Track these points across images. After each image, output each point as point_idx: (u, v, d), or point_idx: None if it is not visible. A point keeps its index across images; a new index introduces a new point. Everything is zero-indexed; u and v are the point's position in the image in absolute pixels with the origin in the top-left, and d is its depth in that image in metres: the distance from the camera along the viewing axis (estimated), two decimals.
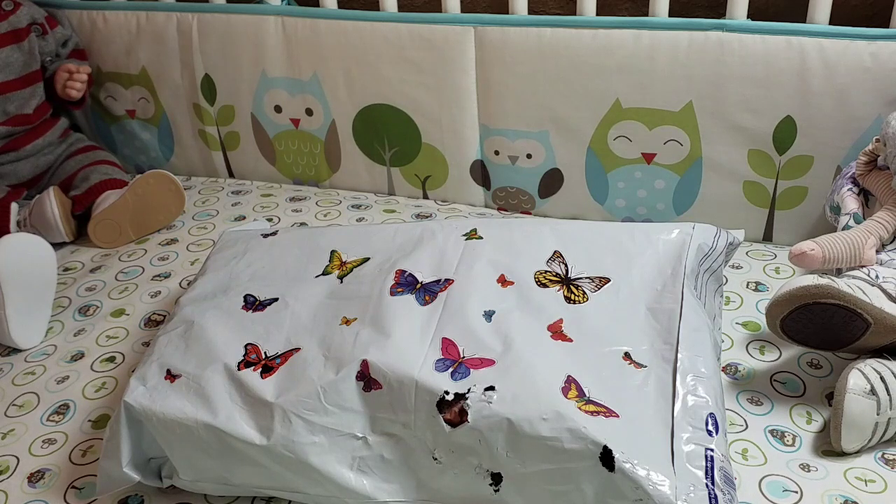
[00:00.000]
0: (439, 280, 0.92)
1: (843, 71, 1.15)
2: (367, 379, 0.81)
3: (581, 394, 0.77)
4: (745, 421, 0.91)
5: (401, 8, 1.45)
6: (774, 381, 0.97)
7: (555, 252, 0.95)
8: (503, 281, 0.92)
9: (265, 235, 1.09)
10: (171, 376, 0.87)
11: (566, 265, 0.93)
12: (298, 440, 0.80)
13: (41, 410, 1.01)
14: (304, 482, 0.82)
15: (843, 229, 1.06)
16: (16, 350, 1.13)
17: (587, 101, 1.30)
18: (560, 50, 1.29)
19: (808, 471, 0.84)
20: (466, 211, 1.46)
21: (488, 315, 0.87)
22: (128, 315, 1.18)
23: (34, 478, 0.91)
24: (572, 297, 0.89)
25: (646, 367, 0.81)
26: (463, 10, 1.41)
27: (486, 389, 0.77)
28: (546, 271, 0.93)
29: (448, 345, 0.83)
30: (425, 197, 1.51)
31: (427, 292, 0.91)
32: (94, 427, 0.98)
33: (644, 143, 1.30)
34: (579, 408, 0.75)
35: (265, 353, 0.88)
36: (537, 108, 1.34)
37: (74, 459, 0.93)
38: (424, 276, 0.93)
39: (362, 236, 1.03)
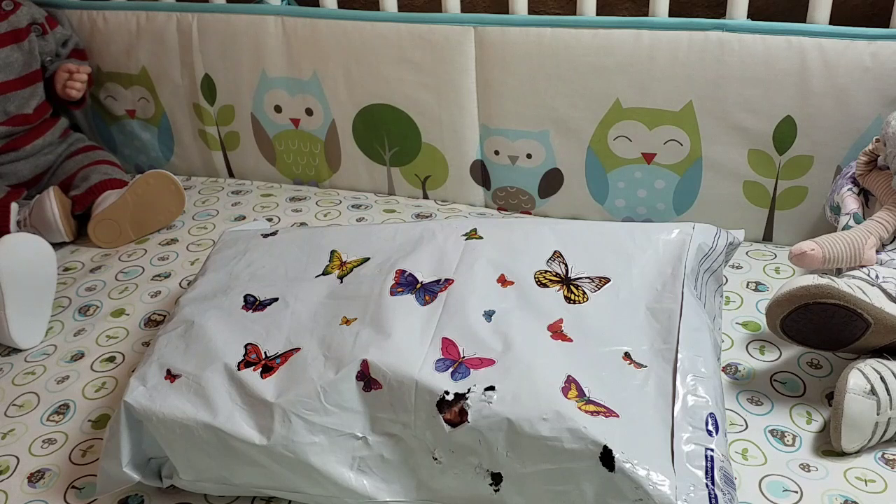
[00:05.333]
0: (439, 280, 0.92)
1: (843, 71, 1.15)
2: (367, 379, 0.81)
3: (581, 394, 0.77)
4: (745, 421, 0.91)
5: (401, 8, 1.45)
6: (774, 381, 0.97)
7: (555, 252, 0.95)
8: (503, 281, 0.92)
9: (265, 235, 1.09)
10: (171, 376, 0.87)
11: (566, 265, 0.93)
12: (298, 440, 0.80)
13: (41, 410, 1.01)
14: (304, 482, 0.82)
15: (843, 229, 1.06)
16: (16, 350, 1.13)
17: (587, 101, 1.30)
18: (560, 50, 1.29)
19: (808, 471, 0.84)
20: (466, 211, 1.46)
21: (488, 315, 0.87)
22: (128, 315, 1.18)
23: (34, 478, 0.91)
24: (572, 297, 0.89)
25: (646, 367, 0.81)
26: (463, 10, 1.41)
27: (486, 389, 0.77)
28: (546, 271, 0.93)
29: (448, 345, 0.83)
30: (425, 197, 1.51)
31: (427, 292, 0.91)
32: (94, 427, 0.98)
33: (644, 143, 1.30)
34: (579, 408, 0.75)
35: (265, 353, 0.88)
36: (537, 108, 1.34)
37: (74, 459, 0.93)
38: (424, 276, 0.93)
39: (362, 236, 1.04)
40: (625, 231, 0.97)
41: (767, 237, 1.31)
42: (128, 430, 0.84)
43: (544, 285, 0.91)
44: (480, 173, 1.45)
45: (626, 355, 0.82)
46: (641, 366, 0.81)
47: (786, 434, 0.89)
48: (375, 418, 0.81)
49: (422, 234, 1.01)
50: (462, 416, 0.77)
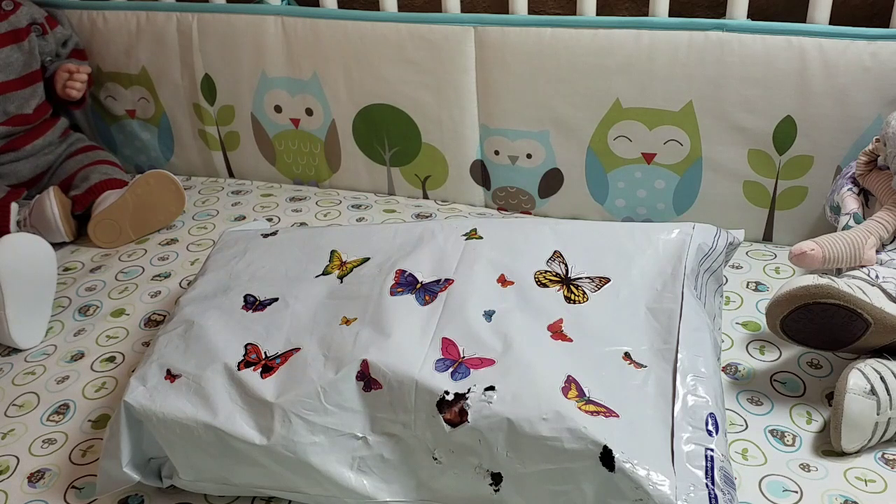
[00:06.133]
0: (439, 280, 0.92)
1: (843, 71, 1.15)
2: (367, 379, 0.81)
3: (581, 394, 0.77)
4: (745, 421, 0.91)
5: (401, 8, 1.45)
6: (774, 381, 0.97)
7: (555, 252, 0.95)
8: (503, 281, 0.92)
9: (265, 235, 1.09)
10: (171, 376, 0.87)
11: (566, 265, 0.93)
12: (298, 440, 0.80)
13: (41, 410, 1.01)
14: (304, 482, 0.82)
15: (843, 229, 1.06)
16: (16, 350, 1.13)
17: (587, 101, 1.30)
18: (560, 50, 1.29)
19: (808, 471, 0.84)
20: (466, 211, 1.46)
21: (488, 315, 0.87)
22: (128, 315, 1.18)
23: (34, 478, 0.91)
24: (572, 297, 0.89)
25: (646, 367, 0.81)
26: (463, 10, 1.41)
27: (486, 389, 0.77)
28: (546, 271, 0.93)
29: (448, 345, 0.83)
30: (425, 197, 1.51)
31: (427, 292, 0.91)
32: (94, 427, 0.98)
33: (644, 143, 1.30)
34: (579, 408, 0.75)
35: (265, 353, 0.88)
36: (537, 108, 1.34)
37: (74, 459, 0.93)
38: (424, 276, 0.93)
39: (362, 236, 1.04)
40: (625, 231, 0.97)
41: (767, 237, 1.31)
42: (128, 430, 0.84)
43: (544, 285, 0.91)
44: (480, 173, 1.45)
45: (626, 355, 0.82)
46: (641, 366, 0.81)
47: (786, 434, 0.89)
48: (375, 418, 0.81)
49: (422, 234, 1.01)
50: (462, 416, 0.77)
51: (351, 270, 0.98)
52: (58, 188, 1.40)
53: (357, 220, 1.41)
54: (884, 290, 0.89)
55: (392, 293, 0.91)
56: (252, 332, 0.91)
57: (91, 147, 1.56)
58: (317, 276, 0.98)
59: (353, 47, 1.41)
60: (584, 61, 1.28)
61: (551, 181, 1.40)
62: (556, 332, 0.85)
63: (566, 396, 0.76)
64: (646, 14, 1.29)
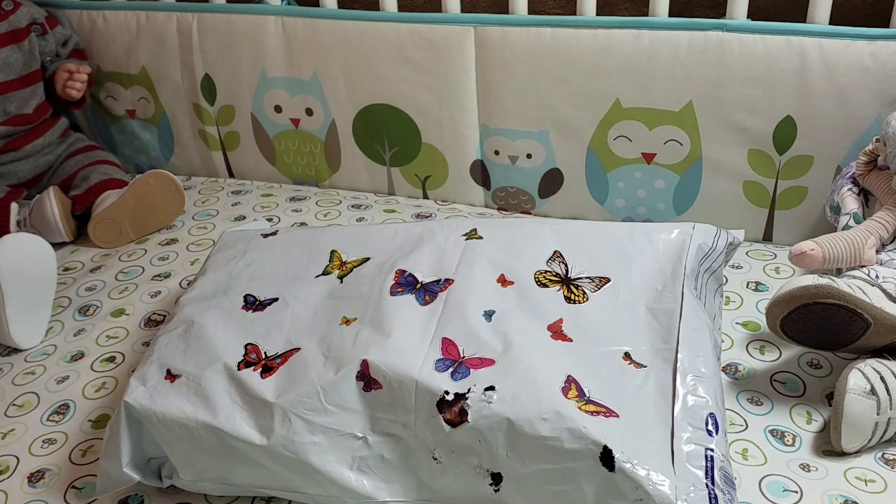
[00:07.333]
0: (439, 280, 0.92)
1: (843, 71, 1.15)
2: (367, 379, 0.81)
3: (581, 394, 0.77)
4: (745, 421, 0.91)
5: (401, 8, 1.45)
6: (774, 381, 0.97)
7: (555, 252, 0.95)
8: (503, 281, 0.92)
9: (265, 235, 1.09)
10: (171, 376, 0.87)
11: (566, 265, 0.93)
12: (298, 440, 0.80)
13: (41, 410, 1.01)
14: (304, 482, 0.82)
15: (843, 229, 1.06)
16: (16, 350, 1.13)
17: (587, 101, 1.30)
18: (560, 50, 1.29)
19: (808, 471, 0.84)
20: (466, 211, 1.46)
21: (488, 315, 0.87)
22: (128, 315, 1.18)
23: (34, 478, 0.91)
24: (572, 296, 0.89)
25: (646, 367, 0.81)
26: (463, 10, 1.41)
27: (486, 389, 0.77)
28: (546, 271, 0.93)
29: (448, 345, 0.83)
30: (425, 197, 1.51)
31: (427, 292, 0.91)
32: (94, 427, 0.98)
33: (644, 142, 1.30)
34: (579, 408, 0.75)
35: (265, 352, 0.88)
36: (537, 108, 1.34)
37: (74, 459, 0.93)
38: (424, 276, 0.93)
39: (362, 236, 1.04)
40: (625, 231, 0.97)
41: (767, 237, 1.31)
42: (128, 430, 0.84)
43: (544, 285, 0.91)
44: (480, 173, 1.45)
45: (626, 355, 0.82)
46: (641, 366, 0.81)
47: (786, 434, 0.89)
48: (375, 418, 0.81)
49: (422, 234, 1.01)
50: (462, 416, 0.77)
51: (351, 270, 0.98)
52: (58, 188, 1.40)
53: (357, 220, 1.41)
54: (884, 290, 0.89)
55: (392, 293, 0.91)
56: (252, 332, 0.91)
57: (91, 147, 1.56)
58: (317, 276, 0.98)
59: (353, 47, 1.41)
60: (584, 61, 1.28)
61: (551, 181, 1.40)
62: (556, 332, 0.85)
63: (566, 396, 0.76)
64: (646, 14, 1.29)
